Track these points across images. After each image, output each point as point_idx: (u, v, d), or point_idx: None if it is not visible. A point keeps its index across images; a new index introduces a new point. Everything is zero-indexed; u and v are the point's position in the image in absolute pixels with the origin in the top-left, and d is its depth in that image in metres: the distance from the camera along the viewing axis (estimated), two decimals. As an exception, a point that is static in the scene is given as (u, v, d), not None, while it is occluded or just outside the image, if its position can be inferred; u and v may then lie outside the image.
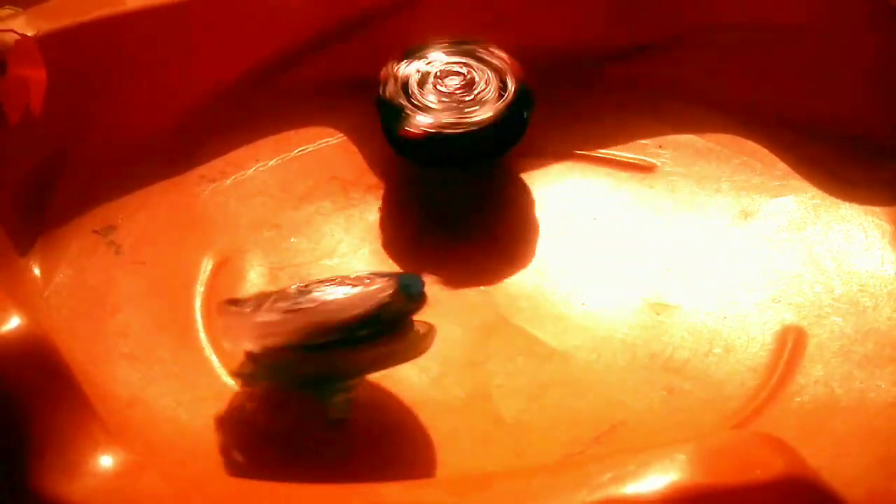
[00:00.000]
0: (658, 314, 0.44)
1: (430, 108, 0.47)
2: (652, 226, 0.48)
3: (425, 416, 0.40)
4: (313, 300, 0.39)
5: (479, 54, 0.49)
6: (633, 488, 0.30)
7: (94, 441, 0.34)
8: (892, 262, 0.45)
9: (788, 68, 0.50)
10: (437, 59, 0.49)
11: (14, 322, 0.35)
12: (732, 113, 0.50)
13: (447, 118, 0.47)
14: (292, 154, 0.50)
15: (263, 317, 0.39)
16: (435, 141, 0.47)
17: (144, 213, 0.48)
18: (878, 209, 0.47)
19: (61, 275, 0.45)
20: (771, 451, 0.31)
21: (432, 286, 0.45)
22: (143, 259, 0.46)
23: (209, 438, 0.40)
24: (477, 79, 0.48)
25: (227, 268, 0.46)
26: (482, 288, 0.45)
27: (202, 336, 0.43)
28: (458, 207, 0.49)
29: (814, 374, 0.41)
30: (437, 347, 0.42)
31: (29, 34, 0.46)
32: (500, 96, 0.48)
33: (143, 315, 0.44)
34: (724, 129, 0.50)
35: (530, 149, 0.50)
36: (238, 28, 0.50)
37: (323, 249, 0.47)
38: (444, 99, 0.48)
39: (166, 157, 0.49)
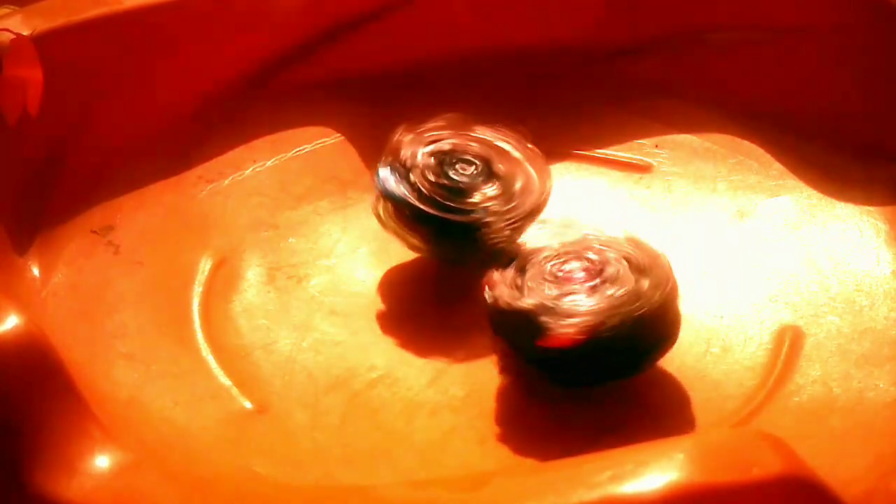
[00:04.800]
0: (655, 314, 0.44)
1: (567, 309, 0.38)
2: (649, 225, 0.48)
3: (424, 416, 0.40)
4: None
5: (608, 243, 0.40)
6: (631, 487, 0.30)
7: (92, 441, 0.34)
8: (888, 261, 0.45)
9: (786, 68, 0.50)
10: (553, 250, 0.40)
11: (12, 321, 0.35)
12: (729, 113, 0.51)
13: (598, 308, 0.38)
14: (290, 154, 0.51)
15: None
16: (599, 343, 0.37)
17: (143, 214, 0.48)
18: (873, 209, 0.47)
19: (59, 274, 0.45)
20: (769, 449, 0.31)
21: (431, 286, 0.45)
22: (142, 259, 0.46)
23: (207, 438, 0.40)
24: (606, 263, 0.39)
25: (225, 268, 0.46)
26: (480, 288, 0.45)
27: (200, 336, 0.43)
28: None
29: (811, 374, 0.41)
30: (435, 348, 0.43)
31: (25, 33, 0.46)
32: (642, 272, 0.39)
33: (141, 315, 0.44)
34: (721, 128, 0.50)
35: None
36: (235, 28, 0.50)
37: (321, 249, 0.47)
38: (571, 288, 0.39)
39: (164, 158, 0.49)
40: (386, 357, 0.42)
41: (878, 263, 0.45)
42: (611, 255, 0.39)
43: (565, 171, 0.50)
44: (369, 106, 0.51)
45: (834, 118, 0.49)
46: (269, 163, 0.50)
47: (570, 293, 0.39)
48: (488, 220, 0.43)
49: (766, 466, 0.30)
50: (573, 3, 0.52)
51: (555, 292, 0.39)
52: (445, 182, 0.43)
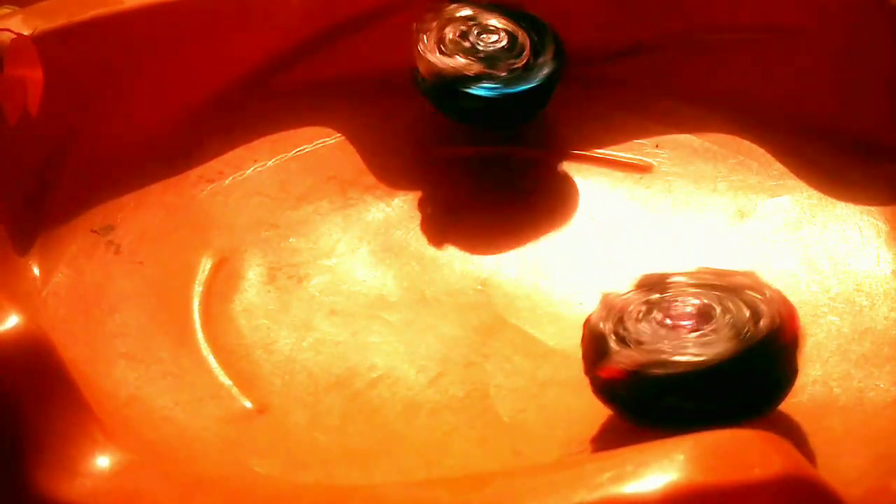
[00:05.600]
0: (655, 313, 0.43)
1: (641, 342, 0.37)
2: (649, 225, 0.48)
3: (423, 416, 0.40)
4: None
5: (734, 285, 0.38)
6: (631, 487, 0.30)
7: (92, 440, 0.34)
8: (888, 261, 0.45)
9: (786, 68, 0.50)
10: (676, 286, 0.38)
11: (12, 321, 0.35)
12: (729, 113, 0.51)
13: (659, 352, 0.36)
14: (290, 154, 0.51)
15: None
16: (639, 382, 0.36)
17: (143, 213, 0.48)
18: (873, 209, 0.47)
19: (60, 274, 0.45)
20: (770, 449, 0.31)
21: (431, 286, 0.45)
22: (142, 259, 0.46)
23: (207, 438, 0.40)
24: (718, 311, 0.37)
25: (225, 267, 0.46)
26: (480, 288, 0.45)
27: (200, 336, 0.43)
28: (454, 208, 0.49)
29: (812, 374, 0.41)
30: (435, 348, 0.43)
31: (25, 33, 0.46)
32: (745, 331, 0.36)
33: (142, 314, 0.44)
34: (721, 128, 0.50)
35: (527, 148, 0.50)
36: (236, 27, 0.50)
37: (321, 249, 0.47)
38: (661, 332, 0.37)
39: (165, 158, 0.49)
40: (386, 357, 0.42)
41: (878, 263, 0.45)
42: (734, 305, 0.37)
43: (565, 171, 0.50)
44: (369, 106, 0.51)
45: (834, 118, 0.49)
46: (269, 163, 0.50)
47: (671, 337, 0.37)
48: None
49: (766, 466, 0.30)
50: (573, 4, 0.52)
51: (648, 329, 0.37)
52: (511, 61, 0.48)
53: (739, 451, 0.31)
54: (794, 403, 0.40)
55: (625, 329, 0.37)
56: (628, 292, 0.39)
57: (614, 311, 0.38)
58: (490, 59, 0.48)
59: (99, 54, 0.48)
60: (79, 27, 0.47)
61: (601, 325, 0.38)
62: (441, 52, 0.48)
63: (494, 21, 0.49)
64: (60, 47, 0.47)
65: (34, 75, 0.46)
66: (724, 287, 0.38)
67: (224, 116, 0.50)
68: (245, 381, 0.42)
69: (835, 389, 0.40)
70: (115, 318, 0.44)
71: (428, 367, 0.42)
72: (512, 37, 0.48)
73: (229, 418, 0.40)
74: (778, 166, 0.49)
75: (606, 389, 0.38)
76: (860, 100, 0.49)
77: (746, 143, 0.50)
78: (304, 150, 0.51)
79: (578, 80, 0.52)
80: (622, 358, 0.37)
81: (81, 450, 0.34)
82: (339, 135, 0.51)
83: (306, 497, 0.35)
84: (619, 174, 0.50)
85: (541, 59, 0.48)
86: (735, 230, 0.47)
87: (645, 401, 0.37)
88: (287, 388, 0.42)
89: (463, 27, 0.48)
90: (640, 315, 0.38)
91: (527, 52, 0.48)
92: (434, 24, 0.48)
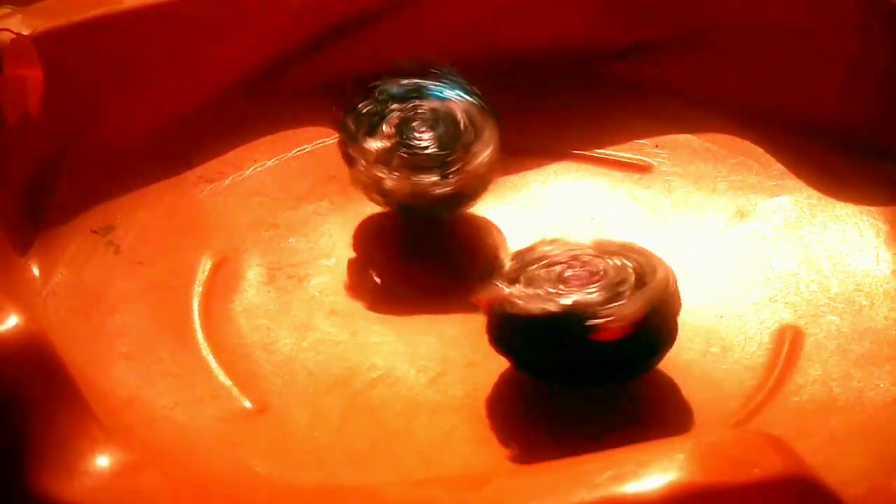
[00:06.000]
0: (655, 313, 0.44)
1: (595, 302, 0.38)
2: (648, 225, 0.48)
3: (424, 416, 0.40)
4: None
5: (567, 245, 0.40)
6: (631, 487, 0.30)
7: (92, 440, 0.34)
8: (888, 260, 0.45)
9: (786, 68, 0.50)
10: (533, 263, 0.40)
11: (12, 321, 0.34)
12: (729, 113, 0.51)
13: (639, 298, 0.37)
14: (290, 154, 0.51)
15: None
16: (647, 327, 0.38)
17: (143, 213, 0.48)
18: (873, 209, 0.47)
19: (60, 274, 0.45)
20: (769, 449, 0.31)
21: (431, 285, 0.45)
22: (142, 259, 0.46)
23: (207, 438, 0.40)
24: (599, 264, 0.39)
25: (225, 267, 0.46)
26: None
27: (200, 336, 0.43)
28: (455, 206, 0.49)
29: (811, 374, 0.41)
30: (435, 348, 0.43)
31: (25, 33, 0.46)
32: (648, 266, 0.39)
33: (142, 315, 0.44)
34: (721, 128, 0.50)
35: (527, 148, 0.50)
36: (236, 28, 0.50)
37: (321, 249, 0.47)
38: (594, 292, 0.38)
39: (165, 158, 0.49)
40: (386, 357, 0.42)
41: (878, 263, 0.45)
42: (605, 257, 0.39)
43: (565, 171, 0.50)
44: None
45: (834, 118, 0.49)
46: (269, 163, 0.50)
47: (586, 293, 0.38)
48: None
49: (766, 466, 0.30)
50: (573, 3, 0.52)
51: (574, 293, 0.38)
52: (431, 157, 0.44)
53: (739, 451, 0.31)
54: (794, 403, 0.40)
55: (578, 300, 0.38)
56: (508, 286, 0.39)
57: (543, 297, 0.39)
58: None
59: (99, 54, 0.48)
60: (79, 27, 0.47)
61: (565, 301, 0.38)
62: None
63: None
64: (60, 47, 0.47)
65: (34, 75, 0.46)
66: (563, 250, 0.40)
67: (224, 116, 0.50)
68: (245, 381, 0.42)
69: (834, 389, 0.40)
70: (116, 318, 0.44)
71: (428, 367, 0.42)
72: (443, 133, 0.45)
73: (229, 418, 0.40)
74: (778, 166, 0.49)
75: (603, 356, 0.38)
76: (860, 100, 0.49)
77: (746, 143, 0.50)
78: (304, 149, 0.51)
79: (578, 80, 0.52)
80: (622, 312, 0.38)
81: (81, 449, 0.34)
82: (338, 135, 0.51)
83: (306, 497, 0.35)
84: (619, 174, 0.50)
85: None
86: (735, 230, 0.47)
87: (653, 344, 0.39)
88: (287, 388, 0.42)
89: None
90: (559, 287, 0.39)
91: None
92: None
